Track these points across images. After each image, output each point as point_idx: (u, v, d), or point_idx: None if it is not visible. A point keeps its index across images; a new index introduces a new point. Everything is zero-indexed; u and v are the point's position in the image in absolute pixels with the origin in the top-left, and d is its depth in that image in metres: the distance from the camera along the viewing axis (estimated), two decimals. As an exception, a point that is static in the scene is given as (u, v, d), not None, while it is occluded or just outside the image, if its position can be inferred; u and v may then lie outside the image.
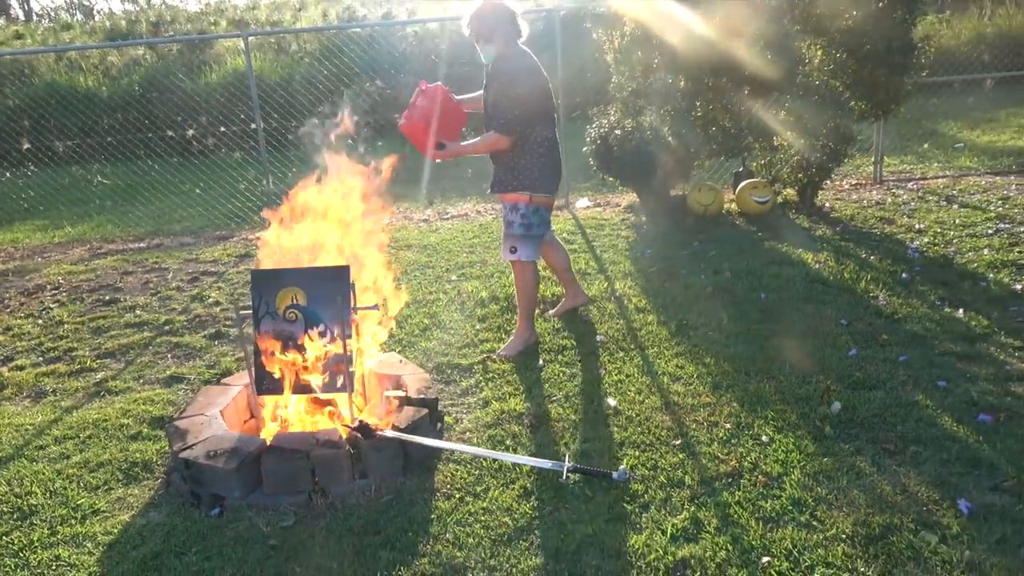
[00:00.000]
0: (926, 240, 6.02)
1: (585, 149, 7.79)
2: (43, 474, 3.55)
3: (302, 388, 3.56)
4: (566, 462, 3.23)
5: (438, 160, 4.32)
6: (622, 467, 3.21)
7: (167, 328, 5.45)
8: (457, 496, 3.16)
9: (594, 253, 6.40)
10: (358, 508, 3.11)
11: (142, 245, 8.29)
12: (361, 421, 3.32)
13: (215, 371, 4.66)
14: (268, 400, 3.71)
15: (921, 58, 6.51)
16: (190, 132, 8.75)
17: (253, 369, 3.56)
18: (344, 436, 3.30)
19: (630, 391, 3.96)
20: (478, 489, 3.20)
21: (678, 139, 6.55)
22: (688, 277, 5.54)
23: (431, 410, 3.59)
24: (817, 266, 5.58)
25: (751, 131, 6.58)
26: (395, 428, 3.34)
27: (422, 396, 3.63)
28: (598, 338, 4.63)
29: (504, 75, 4.18)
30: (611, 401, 3.85)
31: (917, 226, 6.44)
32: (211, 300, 5.98)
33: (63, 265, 7.51)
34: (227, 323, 5.45)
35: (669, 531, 2.82)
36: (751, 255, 5.98)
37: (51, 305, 6.18)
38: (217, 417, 3.55)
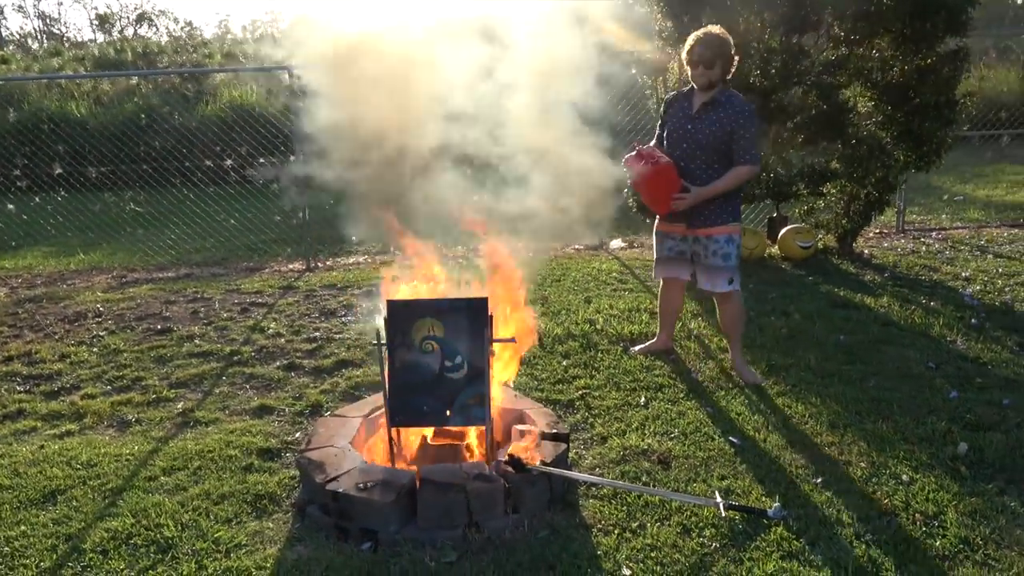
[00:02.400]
0: (978, 288, 6.20)
1: (626, 191, 7.90)
2: (165, 506, 3.41)
3: (437, 420, 3.50)
4: (717, 498, 3.22)
5: (677, 207, 4.37)
6: (776, 504, 3.21)
7: (235, 359, 5.33)
8: (615, 532, 3.12)
9: (653, 293, 6.44)
10: (517, 544, 3.05)
11: (170, 274, 8.12)
12: (511, 455, 3.27)
13: (304, 403, 4.55)
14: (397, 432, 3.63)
15: (962, 113, 6.77)
16: (228, 162, 8.67)
17: (387, 400, 3.49)
18: (488, 469, 3.25)
19: (747, 429, 3.98)
20: (633, 525, 3.16)
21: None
22: (759, 319, 5.60)
23: (566, 444, 3.56)
24: (882, 310, 5.70)
25: (801, 177, 6.73)
26: (543, 463, 3.30)
27: (555, 431, 3.59)
28: (695, 377, 4.64)
29: (741, 107, 4.24)
30: (733, 439, 3.86)
31: (963, 274, 6.62)
32: (271, 331, 5.87)
33: (95, 292, 7.31)
34: (299, 355, 5.35)
35: (851, 568, 2.82)
36: (811, 298, 6.08)
37: (100, 333, 6.00)
38: (351, 449, 3.47)
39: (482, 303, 3.49)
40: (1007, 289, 6.12)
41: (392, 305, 3.50)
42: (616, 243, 8.60)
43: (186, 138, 8.63)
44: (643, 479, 3.53)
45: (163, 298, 7.00)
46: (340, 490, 3.14)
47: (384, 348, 3.47)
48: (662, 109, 4.61)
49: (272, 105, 13.33)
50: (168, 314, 6.48)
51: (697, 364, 4.86)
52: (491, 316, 3.49)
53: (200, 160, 8.48)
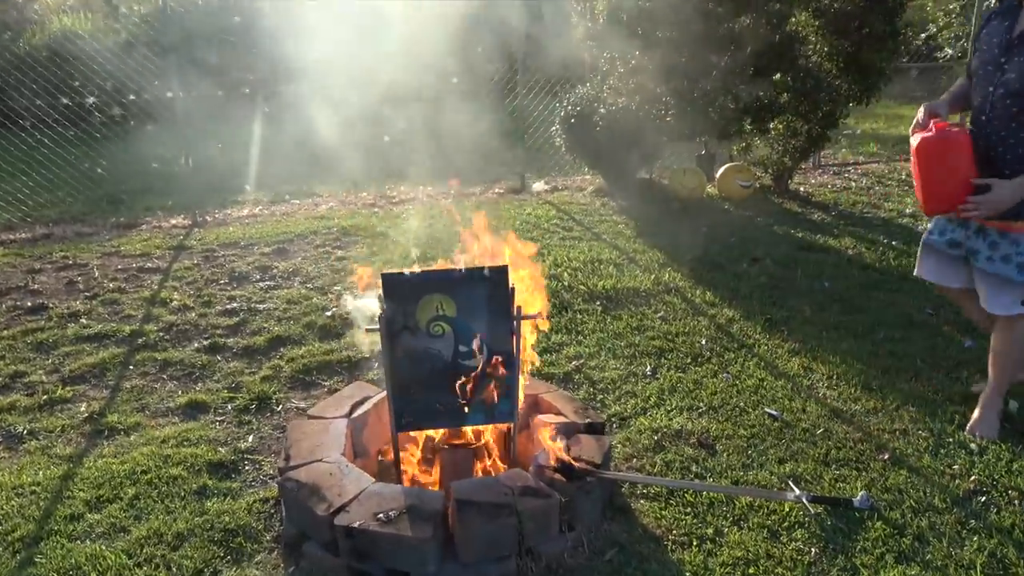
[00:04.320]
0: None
1: (554, 128, 7.34)
2: (106, 559, 2.58)
3: (453, 420, 2.84)
4: (795, 490, 2.77)
5: (966, 213, 2.98)
6: (862, 492, 2.80)
7: (140, 341, 4.37)
8: (694, 544, 2.61)
9: (604, 241, 5.92)
10: (584, 571, 2.49)
11: (25, 235, 6.80)
12: (561, 459, 2.67)
13: (245, 396, 3.73)
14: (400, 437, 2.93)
15: (903, 44, 6.59)
16: (90, 100, 7.27)
17: (391, 399, 2.78)
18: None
19: (780, 397, 3.56)
20: (708, 532, 2.66)
21: (677, 119, 6.21)
22: (731, 266, 5.21)
23: (608, 438, 2.99)
24: (850, 252, 5.46)
25: (748, 112, 6.34)
26: (592, 464, 2.72)
27: (589, 420, 3.02)
28: (694, 338, 4.18)
29: None
30: (770, 411, 3.43)
31: (905, 211, 6.53)
32: (176, 304, 4.89)
33: (-70, 263, 5.96)
34: (219, 333, 4.45)
35: (978, 568, 2.45)
36: (773, 241, 5.77)
37: (-50, 316, 4.82)
38: (348, 464, 2.75)
39: (502, 272, 2.82)
40: (957, 225, 6.03)
41: (389, 279, 2.76)
42: (539, 185, 7.99)
43: (39, 73, 7.12)
44: (694, 469, 3.03)
45: (24, 266, 5.78)
46: (356, 525, 2.43)
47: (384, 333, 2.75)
48: (977, 33, 3.02)
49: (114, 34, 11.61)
50: (36, 286, 5.32)
51: (688, 322, 4.40)
52: (513, 288, 2.83)
53: (55, 98, 7.08)
